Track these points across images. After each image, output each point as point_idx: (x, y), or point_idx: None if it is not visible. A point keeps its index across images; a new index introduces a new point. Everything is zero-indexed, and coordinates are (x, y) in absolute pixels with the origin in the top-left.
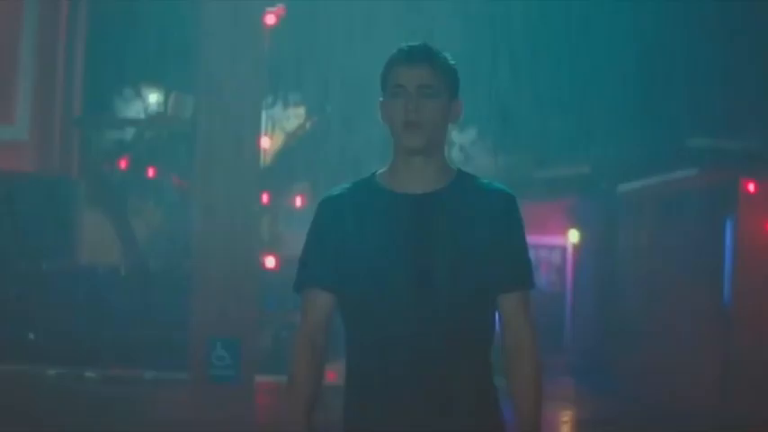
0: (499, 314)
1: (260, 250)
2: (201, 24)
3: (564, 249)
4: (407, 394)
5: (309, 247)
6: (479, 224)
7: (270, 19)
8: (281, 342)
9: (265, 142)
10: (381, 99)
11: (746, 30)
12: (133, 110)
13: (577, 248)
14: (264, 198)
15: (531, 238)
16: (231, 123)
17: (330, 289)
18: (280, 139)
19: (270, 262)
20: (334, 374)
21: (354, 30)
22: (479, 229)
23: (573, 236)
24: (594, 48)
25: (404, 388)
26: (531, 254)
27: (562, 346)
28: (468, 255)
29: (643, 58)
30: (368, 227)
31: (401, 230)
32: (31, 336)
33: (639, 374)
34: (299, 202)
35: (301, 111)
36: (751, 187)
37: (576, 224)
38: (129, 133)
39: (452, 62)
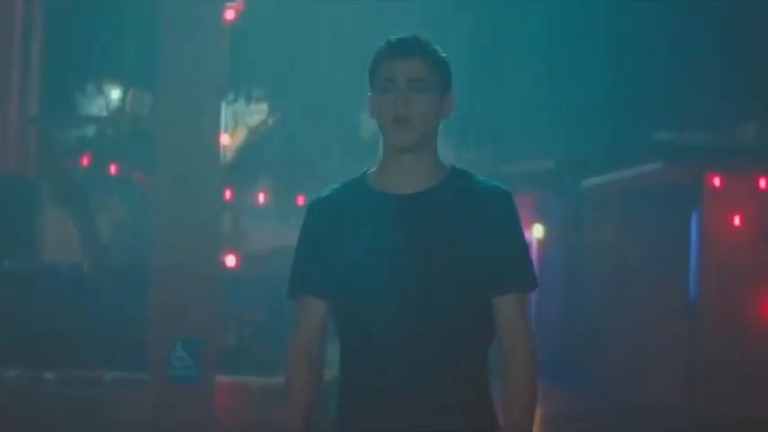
0: (495, 316)
1: (221, 248)
2: (160, 19)
3: (529, 243)
4: (403, 397)
5: (300, 252)
6: (473, 223)
7: (229, 14)
8: (245, 340)
9: (227, 139)
10: (369, 94)
11: (710, 23)
12: (95, 107)
13: (542, 244)
14: (227, 194)
15: None
16: (190, 120)
17: (323, 296)
18: (243, 134)
19: (230, 260)
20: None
21: (316, 24)
22: (473, 229)
23: (537, 231)
24: (558, 42)
25: (400, 390)
26: None
27: None
28: (462, 255)
29: (607, 52)
30: (358, 230)
31: (392, 232)
32: None
33: (605, 371)
34: (261, 198)
35: (264, 106)
36: (716, 181)
37: (540, 219)
38: (92, 130)
39: (444, 54)
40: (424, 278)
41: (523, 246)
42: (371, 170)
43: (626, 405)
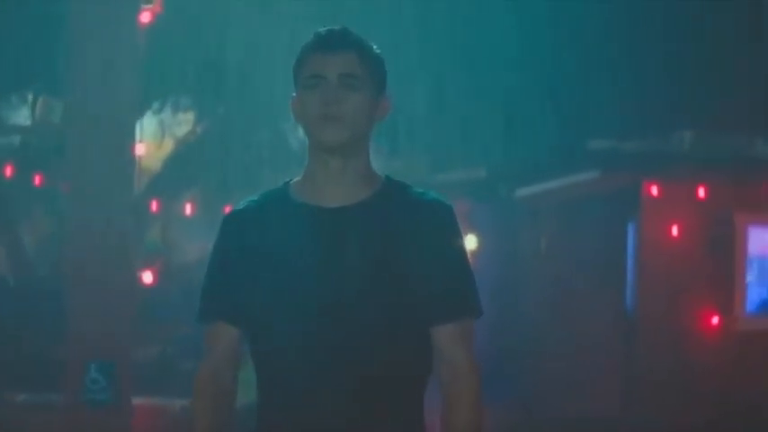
0: (434, 346)
1: (143, 262)
2: (70, 23)
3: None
4: None
5: (212, 271)
6: (408, 242)
7: (145, 17)
8: (168, 358)
9: (150, 149)
10: (294, 94)
11: (645, 28)
12: (20, 116)
13: (475, 255)
14: (154, 206)
15: None
16: (103, 128)
17: (234, 322)
18: (170, 145)
19: (147, 277)
20: None
21: (244, 25)
22: (407, 248)
23: (470, 242)
24: (490, 48)
25: (317, 427)
26: None
27: None
28: (394, 279)
29: (540, 58)
30: (276, 248)
31: (314, 252)
32: None
33: (541, 384)
34: (188, 209)
35: (191, 116)
36: (654, 190)
37: (473, 230)
38: (16, 140)
39: (379, 51)
40: (349, 306)
41: (465, 268)
42: (295, 180)
43: (562, 419)
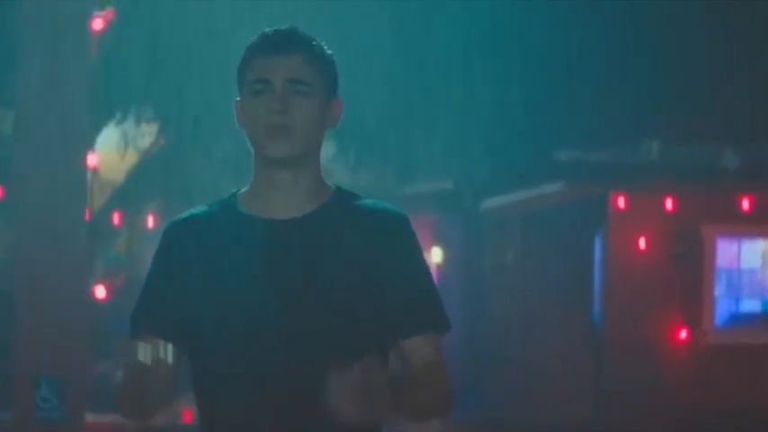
0: (401, 360)
1: (101, 277)
2: (19, 30)
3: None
4: None
5: (148, 284)
6: (362, 255)
7: (97, 24)
8: None
9: (109, 160)
10: (238, 99)
11: (613, 38)
12: None
13: (441, 267)
14: (116, 219)
15: None
16: (53, 140)
17: (171, 340)
18: (133, 156)
19: (100, 292)
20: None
21: (205, 30)
22: (362, 262)
23: (436, 254)
24: (457, 60)
25: None
26: None
27: None
28: (349, 295)
29: (507, 69)
30: (221, 260)
31: (261, 265)
32: None
33: (509, 396)
34: (150, 221)
35: (154, 127)
36: (621, 202)
37: (438, 242)
38: None
39: (330, 52)
40: (299, 326)
41: (427, 279)
42: (243, 190)
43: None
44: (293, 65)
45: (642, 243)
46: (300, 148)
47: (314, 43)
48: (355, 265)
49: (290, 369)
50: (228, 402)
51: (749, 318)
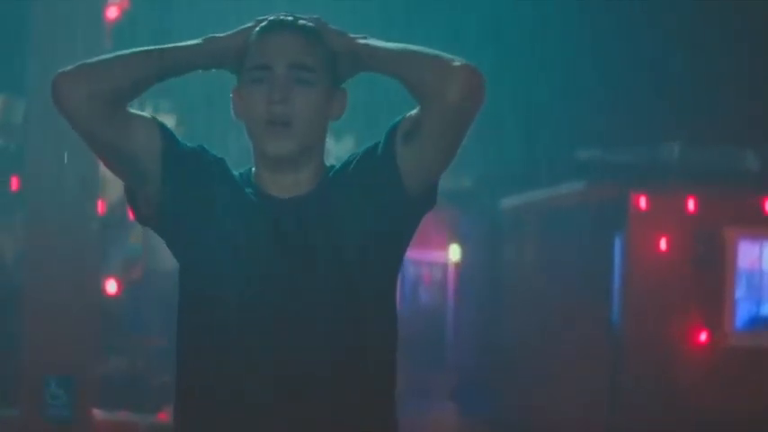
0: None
1: (115, 271)
2: (32, 19)
3: (445, 265)
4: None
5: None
6: (353, 204)
7: (111, 12)
8: (139, 372)
9: None
10: (235, 87)
11: (635, 38)
12: None
13: (459, 265)
14: (131, 212)
15: (412, 254)
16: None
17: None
18: None
19: (111, 286)
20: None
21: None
22: (355, 208)
23: (454, 252)
24: (476, 57)
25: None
26: (411, 271)
27: (443, 366)
28: (351, 249)
29: (527, 67)
30: (233, 210)
31: (267, 235)
32: None
33: (525, 396)
34: None
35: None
36: (642, 202)
37: (457, 239)
38: None
39: None
40: (302, 286)
41: None
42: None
43: None
44: (295, 50)
45: (663, 244)
46: (301, 145)
47: (316, 29)
48: (349, 215)
49: (287, 333)
50: (216, 371)
51: None
